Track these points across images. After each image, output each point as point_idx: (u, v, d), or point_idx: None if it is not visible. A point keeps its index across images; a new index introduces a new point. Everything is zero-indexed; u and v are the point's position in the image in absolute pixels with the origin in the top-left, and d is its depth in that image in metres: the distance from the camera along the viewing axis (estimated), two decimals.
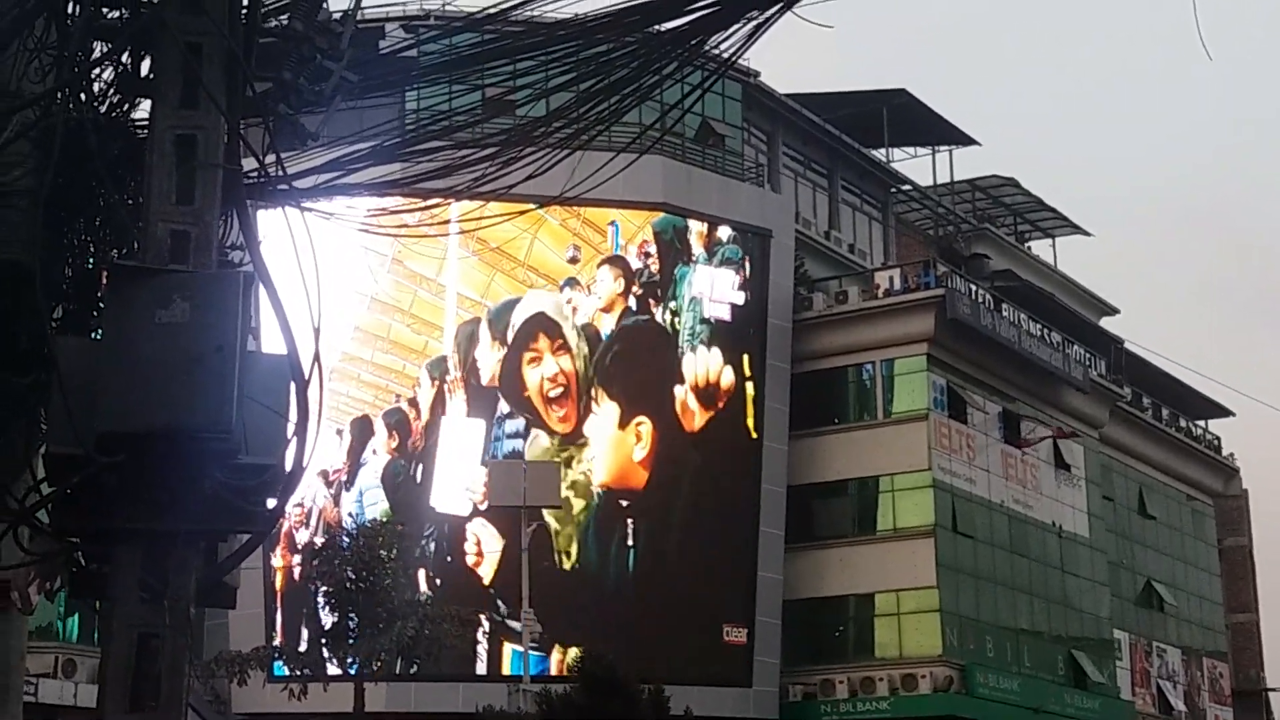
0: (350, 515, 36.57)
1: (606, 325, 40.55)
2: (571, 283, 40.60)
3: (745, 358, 42.06)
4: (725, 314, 41.94)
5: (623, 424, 39.93)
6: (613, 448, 39.87)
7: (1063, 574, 46.90)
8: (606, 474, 39.70)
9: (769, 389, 42.09)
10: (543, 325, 39.95)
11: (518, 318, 39.89)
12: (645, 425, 40.12)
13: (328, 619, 31.34)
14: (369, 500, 38.42)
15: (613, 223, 40.80)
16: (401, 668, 32.29)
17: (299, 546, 37.40)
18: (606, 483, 39.64)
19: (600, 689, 28.54)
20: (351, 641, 30.13)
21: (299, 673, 31.00)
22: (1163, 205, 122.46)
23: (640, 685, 29.73)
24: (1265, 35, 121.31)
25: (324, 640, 31.59)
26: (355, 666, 30.16)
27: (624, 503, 39.80)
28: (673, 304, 41.14)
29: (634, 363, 40.36)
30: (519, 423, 39.35)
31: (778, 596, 41.40)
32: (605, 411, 39.90)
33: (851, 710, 41.00)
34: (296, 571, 36.86)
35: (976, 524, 43.28)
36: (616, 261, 40.99)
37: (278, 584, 37.91)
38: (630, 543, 39.80)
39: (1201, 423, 60.57)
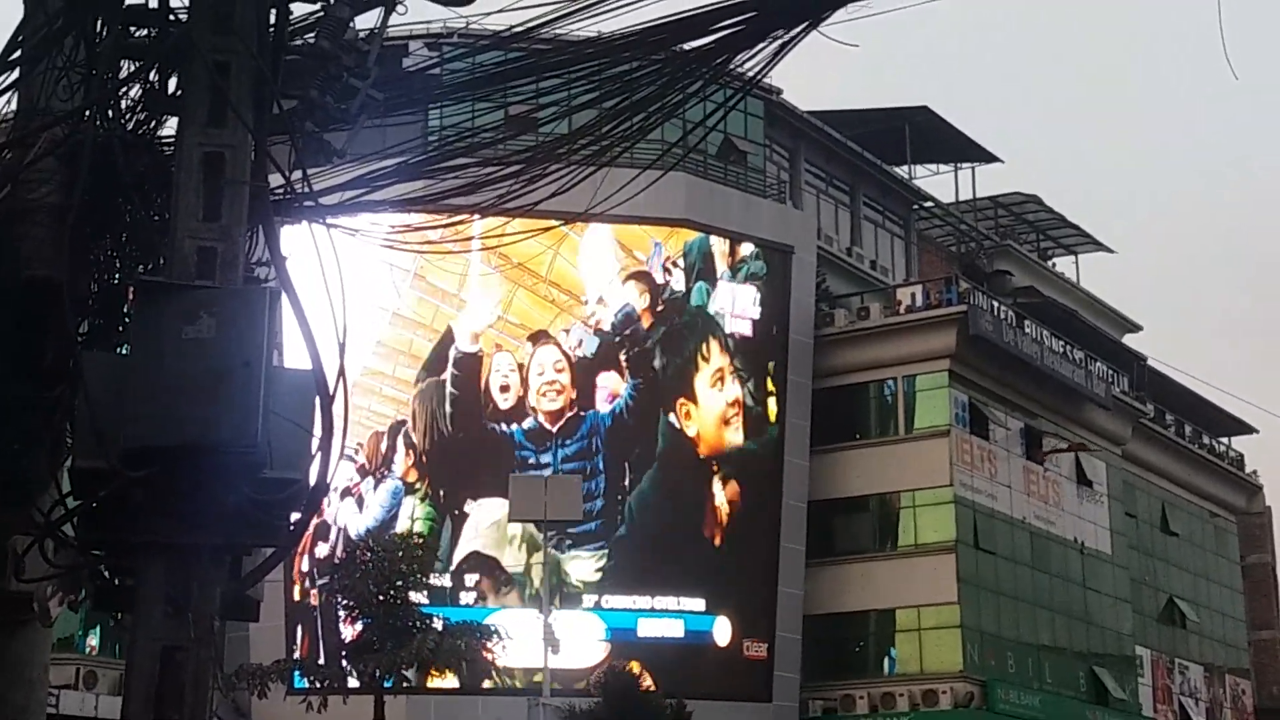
0: (369, 529, 36.72)
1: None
2: (599, 298, 40.74)
3: (767, 373, 42.05)
4: (747, 329, 41.96)
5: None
6: None
7: (1084, 590, 46.75)
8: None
9: (790, 405, 42.08)
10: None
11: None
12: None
13: (348, 632, 31.39)
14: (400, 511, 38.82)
15: (657, 242, 40.99)
16: (421, 680, 32.31)
17: (318, 559, 37.52)
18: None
19: (623, 703, 28.54)
20: (372, 654, 30.15)
21: (319, 685, 31.03)
22: (1186, 222, 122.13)
23: (663, 699, 29.72)
24: None
25: (344, 653, 31.62)
26: (376, 679, 30.18)
27: None
28: (686, 319, 41.27)
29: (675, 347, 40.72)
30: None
31: (798, 611, 41.35)
32: None
33: None
34: (317, 585, 36.96)
35: (998, 540, 43.18)
36: (642, 277, 41.08)
37: (297, 597, 38.01)
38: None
39: (1224, 439, 60.36)
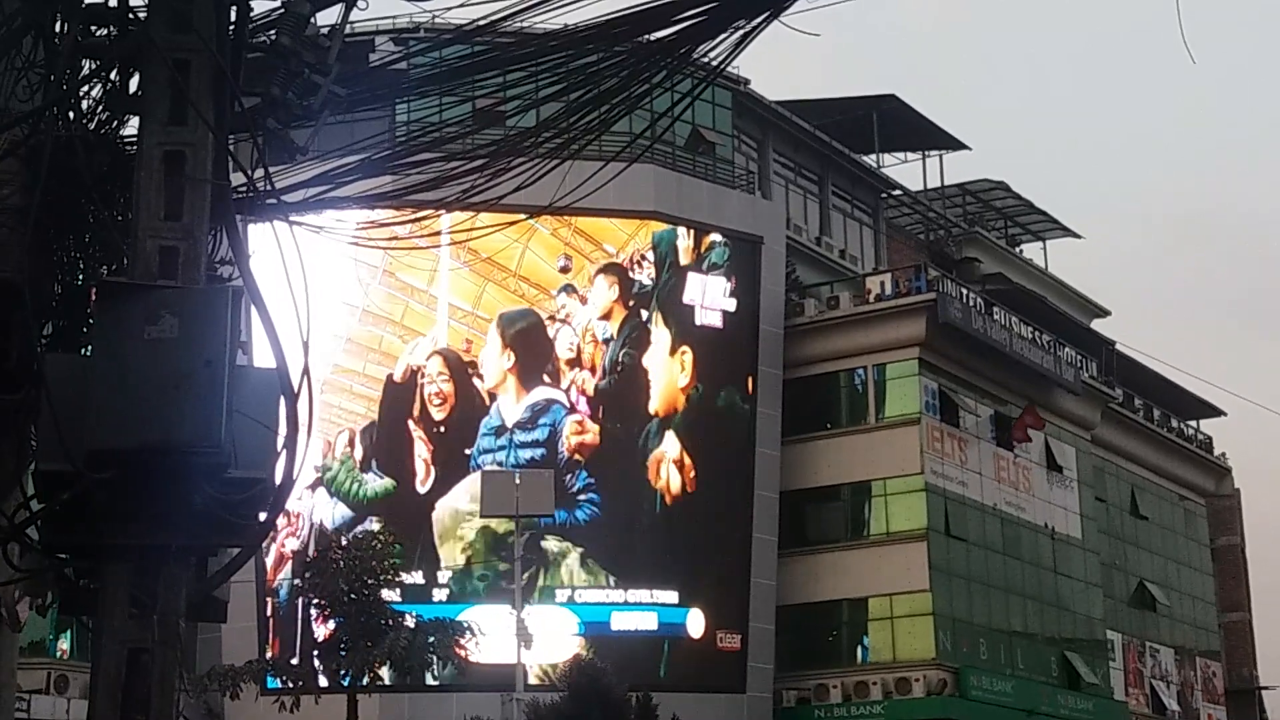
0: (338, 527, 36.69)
1: (604, 331, 40.66)
2: (568, 289, 40.67)
3: (737, 364, 42.08)
4: (717, 321, 41.97)
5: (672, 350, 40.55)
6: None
7: (1055, 575, 46.95)
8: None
9: (761, 395, 42.11)
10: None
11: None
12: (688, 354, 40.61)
13: (320, 631, 31.31)
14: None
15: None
16: (394, 678, 32.26)
17: (289, 554, 37.47)
18: None
19: (588, 697, 28.57)
20: (344, 653, 30.09)
21: (291, 685, 30.94)
22: (1153, 207, 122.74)
23: (628, 692, 29.73)
24: (1257, 36, 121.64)
25: (316, 652, 31.55)
26: (348, 678, 30.12)
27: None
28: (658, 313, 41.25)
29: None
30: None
31: (771, 602, 41.41)
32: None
33: (845, 715, 41.01)
34: (288, 584, 36.88)
35: (969, 527, 43.32)
36: (612, 269, 41.04)
37: (269, 596, 37.90)
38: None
39: (1193, 423, 60.69)
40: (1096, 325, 57.66)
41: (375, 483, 39.03)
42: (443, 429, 39.45)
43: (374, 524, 36.54)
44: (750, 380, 42.10)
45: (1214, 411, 61.04)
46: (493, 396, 39.76)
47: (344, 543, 32.29)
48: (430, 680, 34.58)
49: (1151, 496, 55.49)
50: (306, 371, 5.55)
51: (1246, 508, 62.52)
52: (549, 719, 28.95)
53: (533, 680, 33.76)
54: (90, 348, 5.78)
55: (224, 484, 5.37)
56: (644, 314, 40.98)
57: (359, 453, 39.19)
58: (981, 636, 42.94)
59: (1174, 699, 54.32)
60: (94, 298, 5.67)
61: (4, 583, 6.04)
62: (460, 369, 39.84)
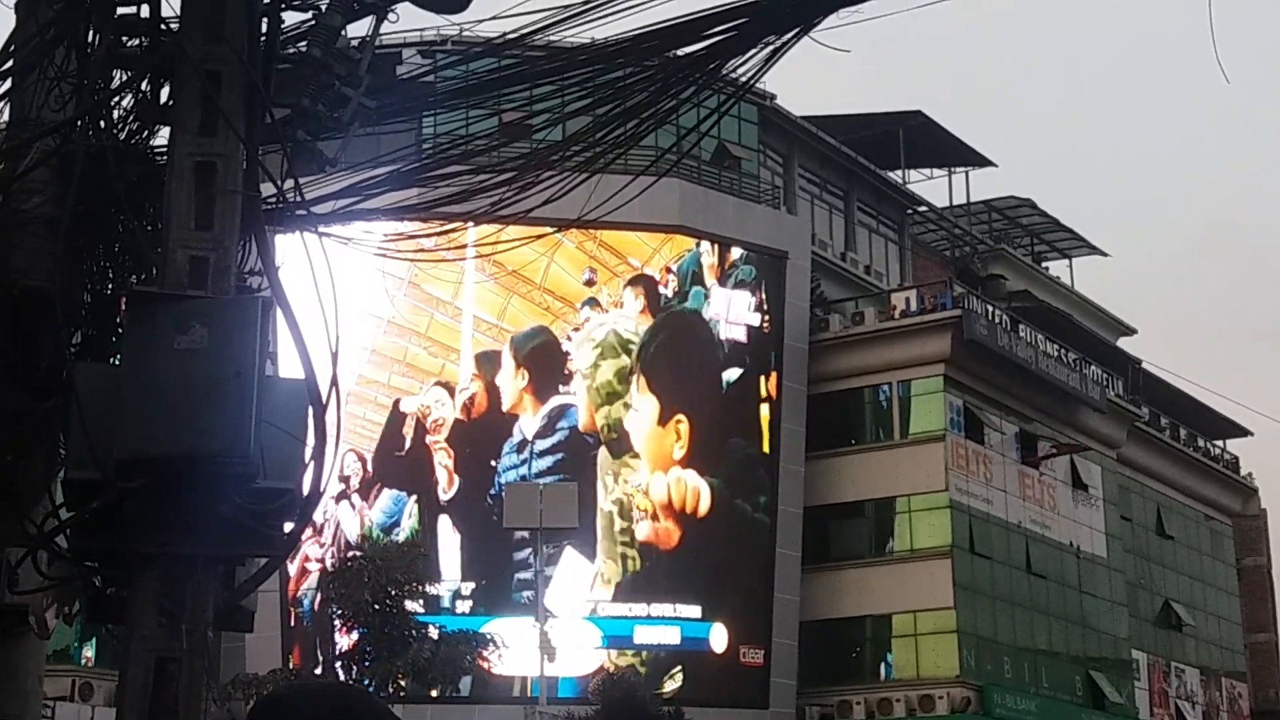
0: (365, 535, 36.74)
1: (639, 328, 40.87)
2: (591, 303, 40.72)
3: (761, 379, 42.05)
4: (741, 335, 41.96)
5: (662, 421, 40.17)
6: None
7: (1080, 594, 46.77)
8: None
9: (785, 410, 42.07)
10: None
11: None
12: (684, 424, 40.37)
13: (343, 641, 31.34)
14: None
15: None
16: (415, 689, 32.25)
17: (314, 560, 37.59)
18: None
19: (623, 711, 28.46)
20: (368, 663, 30.11)
21: None
22: (1180, 226, 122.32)
23: (662, 707, 29.61)
24: None
25: (339, 662, 31.57)
26: (372, 688, 30.12)
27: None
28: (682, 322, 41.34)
29: (676, 355, 40.50)
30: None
31: (794, 618, 41.33)
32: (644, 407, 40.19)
33: None
34: (311, 594, 36.94)
35: (994, 545, 43.19)
36: (641, 280, 41.11)
37: (292, 605, 37.98)
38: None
39: (1219, 442, 60.41)
40: (1123, 343, 57.49)
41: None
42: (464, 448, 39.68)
43: (399, 536, 36.63)
44: (765, 383, 42.10)
45: (1241, 431, 60.77)
46: (514, 417, 39.90)
47: (367, 553, 32.33)
48: (453, 692, 34.55)
49: (1177, 516, 55.24)
50: (335, 383, 5.56)
51: (1273, 528, 62.30)
52: None
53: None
54: (120, 357, 5.80)
55: (252, 494, 5.37)
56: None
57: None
58: (1006, 655, 42.78)
59: (1199, 719, 54.05)
60: (124, 307, 5.69)
61: (32, 590, 6.06)
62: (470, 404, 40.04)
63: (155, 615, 5.41)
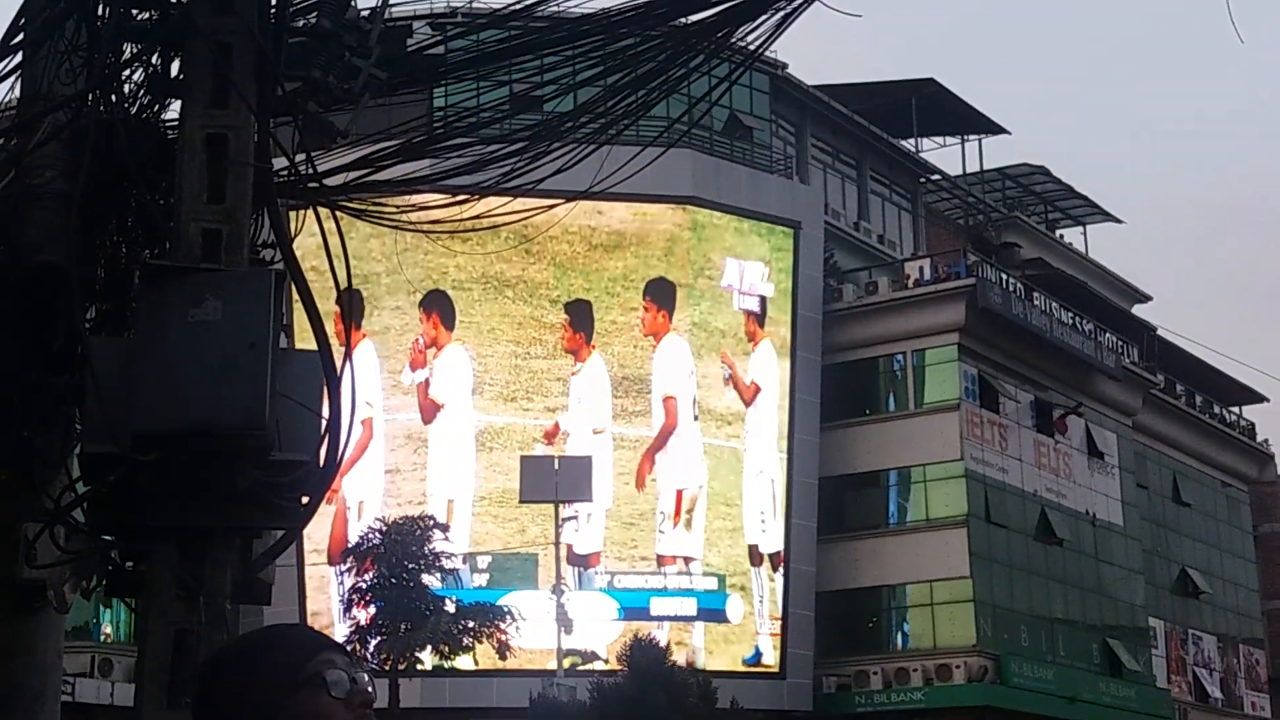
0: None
1: None
2: None
3: (775, 349, 42.03)
4: (755, 306, 41.93)
5: None
6: None
7: (1097, 562, 46.73)
8: None
9: (799, 381, 42.04)
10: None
11: None
12: None
13: (361, 615, 31.44)
14: None
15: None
16: (435, 662, 32.37)
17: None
18: None
19: (651, 678, 28.49)
20: (386, 637, 30.22)
21: None
22: (1195, 191, 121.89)
23: (689, 674, 29.65)
24: None
25: (357, 635, 31.69)
26: (389, 663, 30.22)
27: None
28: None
29: None
30: None
31: (810, 588, 41.36)
32: None
33: (886, 701, 40.93)
34: (333, 570, 37.03)
35: (1010, 513, 43.15)
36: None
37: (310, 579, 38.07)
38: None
39: (1235, 409, 60.25)
40: (1138, 311, 57.30)
41: None
42: None
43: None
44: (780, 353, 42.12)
45: (1257, 397, 60.59)
46: None
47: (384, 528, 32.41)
48: (471, 664, 34.66)
49: (1194, 483, 55.14)
50: (349, 354, 5.56)
51: None
52: (613, 699, 28.87)
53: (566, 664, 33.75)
54: (134, 331, 5.80)
55: (268, 466, 5.38)
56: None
57: None
58: (1022, 623, 42.78)
59: (1217, 686, 54.04)
60: (138, 281, 5.69)
61: (50, 564, 6.08)
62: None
63: (173, 588, 5.43)
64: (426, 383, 39.47)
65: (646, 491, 40.09)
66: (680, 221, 41.00)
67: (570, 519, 35.91)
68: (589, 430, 39.44)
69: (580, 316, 40.25)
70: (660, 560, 39.83)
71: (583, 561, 38.73)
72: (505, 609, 32.00)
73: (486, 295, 40.13)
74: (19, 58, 6.26)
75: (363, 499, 38.07)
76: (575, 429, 39.47)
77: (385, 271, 38.32)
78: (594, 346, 40.34)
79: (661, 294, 40.76)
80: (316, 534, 36.18)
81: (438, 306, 39.66)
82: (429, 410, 39.47)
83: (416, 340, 39.49)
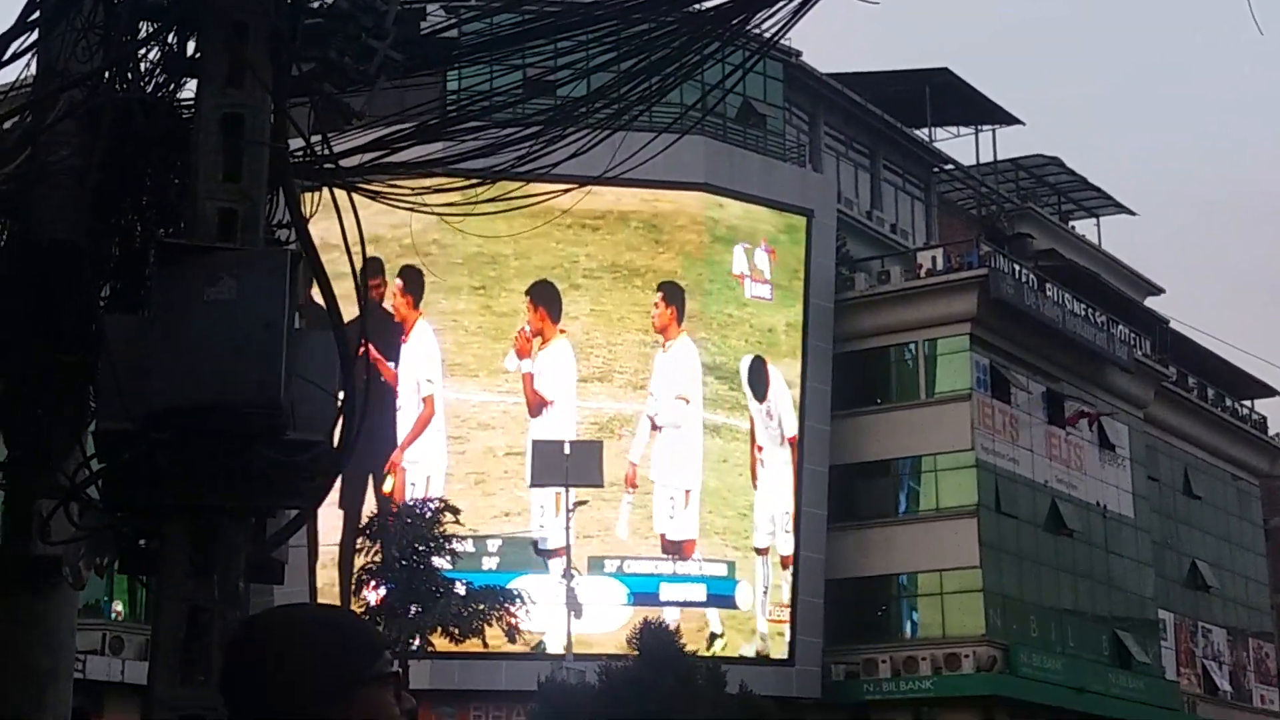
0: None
1: None
2: None
3: (786, 338, 42.04)
4: (766, 294, 41.91)
5: None
6: None
7: (1107, 554, 46.72)
8: None
9: (810, 369, 42.04)
10: None
11: None
12: None
13: (371, 596, 31.52)
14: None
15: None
16: (445, 645, 32.43)
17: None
18: None
19: (661, 662, 28.51)
20: (396, 618, 30.28)
21: None
22: (1208, 184, 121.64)
23: (698, 658, 29.67)
24: None
25: (368, 616, 31.77)
26: (399, 644, 30.29)
27: None
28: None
29: None
30: None
31: (820, 576, 41.39)
32: None
33: (894, 690, 40.99)
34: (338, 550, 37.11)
35: (1020, 504, 43.14)
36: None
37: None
38: None
39: (1247, 402, 60.20)
40: (1150, 303, 57.25)
41: None
42: None
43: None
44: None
45: (1269, 391, 60.52)
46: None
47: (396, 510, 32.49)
48: (480, 647, 34.75)
49: (1205, 476, 55.10)
50: (365, 335, 5.58)
51: None
52: (621, 683, 28.91)
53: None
54: (149, 309, 5.82)
55: (282, 446, 5.40)
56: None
57: None
58: (1032, 614, 42.80)
59: (1226, 679, 54.04)
60: (153, 259, 5.71)
61: (64, 541, 6.10)
62: None
63: (187, 566, 5.44)
64: (530, 375, 39.67)
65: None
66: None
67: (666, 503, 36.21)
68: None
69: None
70: (667, 546, 39.90)
71: (677, 550, 39.10)
72: (515, 592, 32.05)
73: (616, 284, 40.36)
74: (35, 35, 6.27)
75: (429, 473, 38.22)
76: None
77: (513, 255, 38.51)
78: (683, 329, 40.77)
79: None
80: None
81: (544, 297, 39.79)
82: (535, 405, 39.51)
83: (523, 329, 39.63)
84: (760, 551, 40.82)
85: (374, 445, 34.88)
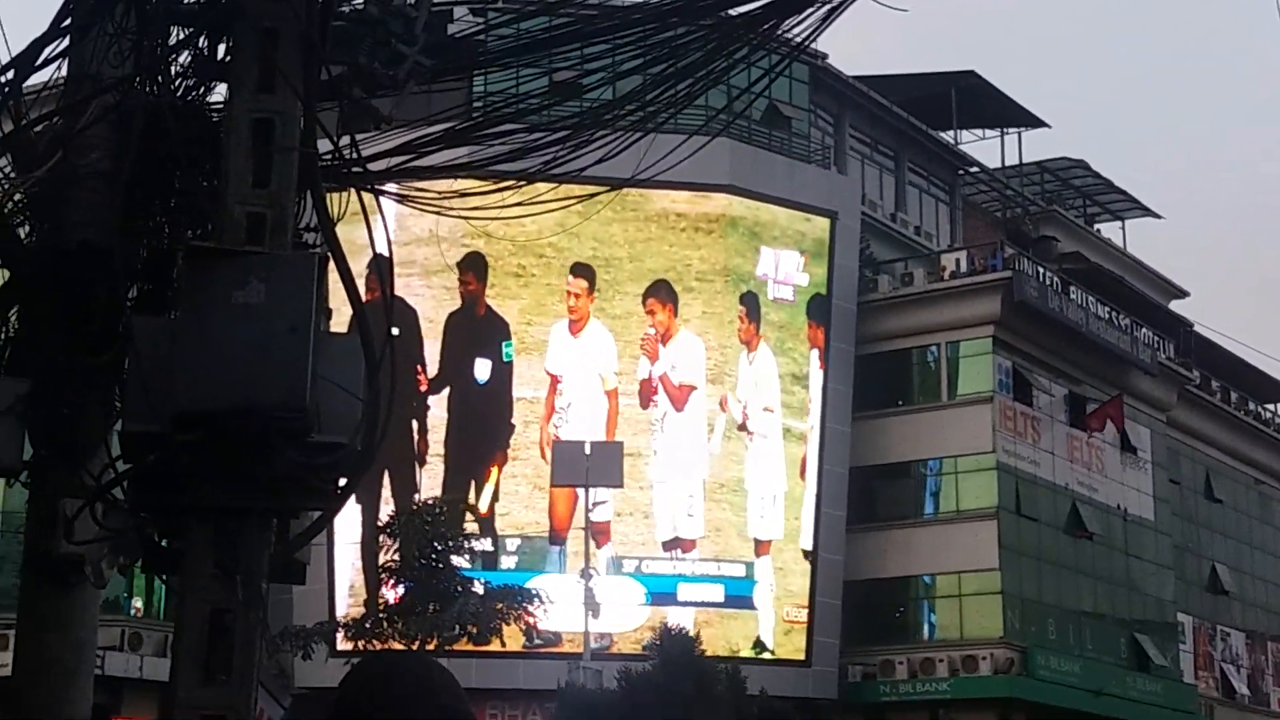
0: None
1: None
2: None
3: (809, 339, 42.03)
4: (789, 295, 41.91)
5: None
6: None
7: (1127, 557, 46.61)
8: None
9: (832, 370, 42.03)
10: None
11: None
12: None
13: (390, 595, 31.57)
14: None
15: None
16: (463, 643, 32.45)
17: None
18: None
19: (681, 666, 28.49)
20: (414, 616, 30.31)
21: (363, 647, 31.24)
22: (1233, 187, 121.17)
23: (718, 664, 29.63)
24: None
25: (385, 615, 31.83)
26: (418, 641, 30.33)
27: None
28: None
29: None
30: None
31: (839, 577, 41.37)
32: None
33: (911, 691, 40.95)
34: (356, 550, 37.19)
35: (1040, 506, 43.07)
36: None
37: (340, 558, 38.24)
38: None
39: (1270, 406, 60.00)
40: (1174, 306, 57.08)
41: None
42: None
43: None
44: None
45: None
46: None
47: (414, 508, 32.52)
48: (498, 646, 34.81)
49: (1227, 480, 54.93)
50: (390, 339, 5.60)
51: None
52: (641, 688, 28.88)
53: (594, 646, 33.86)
54: (176, 312, 5.85)
55: (307, 448, 5.43)
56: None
57: None
58: (1050, 616, 42.72)
59: (1244, 683, 53.87)
60: (181, 262, 5.74)
61: (89, 541, 6.15)
62: None
63: (210, 566, 5.48)
64: (665, 376, 40.04)
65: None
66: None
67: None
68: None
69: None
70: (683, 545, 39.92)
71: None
72: (533, 591, 32.08)
73: (727, 288, 40.82)
74: (68, 40, 6.32)
75: None
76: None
77: (628, 257, 39.24)
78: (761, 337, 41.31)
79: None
80: None
81: (667, 296, 40.18)
82: (679, 399, 39.88)
83: (648, 334, 39.82)
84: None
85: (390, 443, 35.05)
